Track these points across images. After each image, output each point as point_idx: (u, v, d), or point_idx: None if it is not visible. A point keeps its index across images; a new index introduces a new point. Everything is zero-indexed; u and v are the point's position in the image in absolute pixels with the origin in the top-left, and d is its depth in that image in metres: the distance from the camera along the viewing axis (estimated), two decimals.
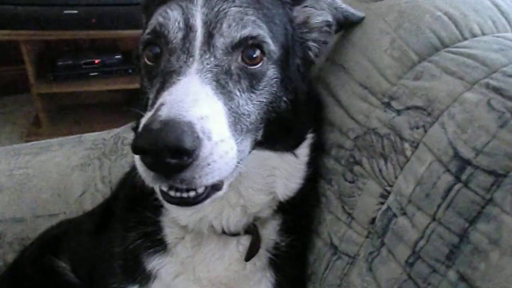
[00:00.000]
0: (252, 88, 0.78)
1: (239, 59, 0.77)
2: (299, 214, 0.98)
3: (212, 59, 0.74)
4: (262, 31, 0.78)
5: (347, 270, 0.86)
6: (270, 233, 0.96)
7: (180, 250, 0.97)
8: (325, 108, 1.00)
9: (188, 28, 0.77)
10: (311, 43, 0.92)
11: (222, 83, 0.73)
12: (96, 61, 3.45)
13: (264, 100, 0.80)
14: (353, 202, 0.87)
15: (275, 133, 0.86)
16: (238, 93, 0.76)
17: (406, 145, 0.76)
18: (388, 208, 0.78)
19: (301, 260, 1.02)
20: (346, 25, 0.96)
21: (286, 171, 0.90)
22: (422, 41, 0.82)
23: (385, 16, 0.91)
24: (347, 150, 0.91)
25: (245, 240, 0.95)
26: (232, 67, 0.76)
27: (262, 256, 0.96)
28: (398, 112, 0.80)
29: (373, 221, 0.82)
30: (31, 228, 1.53)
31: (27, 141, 3.35)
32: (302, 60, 0.90)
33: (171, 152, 0.61)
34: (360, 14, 0.96)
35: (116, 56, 3.49)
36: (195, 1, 0.78)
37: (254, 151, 0.84)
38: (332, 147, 0.95)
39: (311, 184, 0.97)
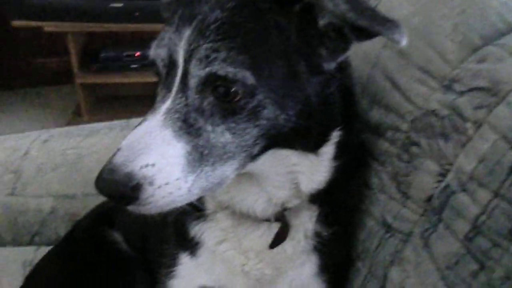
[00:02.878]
0: (229, 120, 0.78)
1: (211, 97, 0.78)
2: (339, 205, 0.99)
3: (183, 98, 0.78)
4: (233, 68, 0.75)
5: (401, 247, 0.89)
6: (305, 223, 0.98)
7: (220, 218, 1.01)
8: (357, 100, 1.00)
9: (172, 65, 0.80)
10: (320, 50, 0.81)
11: (190, 121, 0.77)
12: (137, 53, 3.55)
13: (250, 126, 0.79)
14: (408, 181, 0.89)
15: (283, 141, 0.86)
16: (210, 128, 0.78)
17: (468, 124, 0.78)
18: (447, 185, 0.80)
19: (349, 243, 1.04)
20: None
21: (308, 168, 0.91)
22: (488, 25, 0.84)
23: (447, 3, 0.93)
24: (404, 132, 0.93)
25: (276, 227, 0.97)
26: (204, 104, 0.78)
27: (302, 242, 0.98)
28: (460, 93, 0.82)
29: (429, 199, 0.84)
30: (82, 205, 1.60)
31: None
32: (309, 68, 0.82)
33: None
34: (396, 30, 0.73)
35: None
36: (183, 34, 0.79)
37: (270, 151, 0.85)
38: (387, 130, 0.98)
39: (349, 174, 0.97)
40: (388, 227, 0.93)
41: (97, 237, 1.29)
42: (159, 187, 0.74)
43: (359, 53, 1.10)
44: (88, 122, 3.56)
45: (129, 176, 0.72)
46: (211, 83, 0.77)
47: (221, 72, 0.75)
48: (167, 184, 0.74)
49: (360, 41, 0.79)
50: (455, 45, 0.87)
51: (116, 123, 1.83)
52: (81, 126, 1.88)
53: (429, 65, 0.90)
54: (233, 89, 0.76)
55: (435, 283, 0.78)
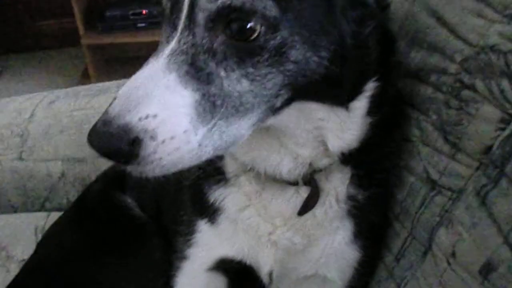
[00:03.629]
0: (247, 64, 0.66)
1: (224, 35, 0.65)
2: (374, 166, 0.88)
3: (190, 37, 0.65)
4: None
5: (450, 206, 0.78)
6: (337, 186, 0.87)
7: (243, 182, 0.91)
8: (397, 45, 0.88)
9: None
10: None
11: (198, 65, 0.65)
12: (144, 11, 3.40)
13: (273, 71, 0.67)
14: (460, 130, 0.77)
15: (311, 91, 0.73)
16: (223, 73, 0.65)
17: None
18: None
19: (387, 204, 0.94)
20: None
21: (337, 124, 0.79)
22: None
23: None
24: (452, 75, 0.80)
25: (304, 192, 0.87)
26: (215, 45, 0.65)
27: (335, 207, 0.88)
28: None
29: (487, 150, 0.73)
30: (92, 168, 1.52)
31: None
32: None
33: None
34: None
35: None
36: None
37: (294, 103, 0.73)
38: (431, 74, 0.85)
39: (385, 131, 0.85)
40: (433, 184, 0.82)
41: (109, 203, 1.20)
42: (163, 141, 0.62)
43: None
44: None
45: (126, 128, 0.61)
46: (224, 17, 0.64)
47: (236, 2, 0.62)
48: (172, 138, 0.63)
49: None
50: None
51: (125, 81, 1.73)
52: (88, 86, 1.78)
53: None
54: (250, 24, 0.63)
55: (496, 247, 0.67)
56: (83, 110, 1.60)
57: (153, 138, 0.62)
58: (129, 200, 1.20)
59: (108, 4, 3.50)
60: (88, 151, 1.53)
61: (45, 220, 1.43)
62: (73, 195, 1.51)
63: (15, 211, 1.55)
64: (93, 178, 1.45)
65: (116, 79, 3.67)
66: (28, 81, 3.70)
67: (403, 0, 0.93)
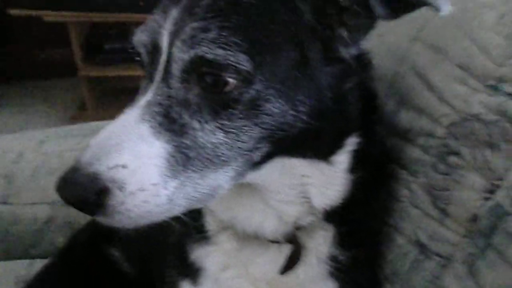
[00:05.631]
0: (221, 116, 0.65)
1: (199, 87, 0.66)
2: (359, 226, 0.86)
3: (166, 89, 0.66)
4: (223, 51, 0.62)
5: (439, 273, 0.77)
6: (320, 245, 0.85)
7: (224, 240, 0.89)
8: (381, 103, 0.87)
9: (155, 51, 0.69)
10: (339, 31, 0.69)
11: (172, 116, 0.65)
12: None
13: (248, 124, 0.66)
14: (447, 196, 0.77)
15: (291, 146, 0.73)
16: (197, 125, 0.65)
17: None
18: (498, 205, 0.67)
19: (374, 265, 0.91)
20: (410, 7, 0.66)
21: (319, 179, 0.78)
22: None
23: None
24: (439, 138, 0.80)
25: (286, 250, 0.85)
26: (190, 96, 0.66)
27: (316, 267, 0.86)
28: (511, 96, 0.69)
29: (474, 218, 0.72)
30: (80, 213, 1.48)
31: (72, 123, 3.39)
32: (324, 53, 0.70)
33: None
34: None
35: None
36: (169, 15, 0.68)
37: (276, 159, 0.73)
38: (419, 136, 0.85)
39: (370, 190, 0.84)
40: (422, 248, 0.81)
41: (96, 256, 1.17)
42: (131, 193, 0.61)
43: (382, 48, 0.97)
44: (93, 116, 3.48)
45: (94, 177, 0.59)
46: (197, 69, 0.65)
47: (209, 56, 0.63)
48: (141, 190, 0.62)
49: (387, 18, 0.66)
50: (501, 39, 0.74)
51: None
52: (80, 125, 1.77)
53: (469, 62, 0.77)
54: (223, 77, 0.63)
55: None
56: (74, 151, 1.56)
57: (121, 188, 0.60)
58: (116, 254, 1.17)
59: (107, 37, 3.54)
60: None
61: (27, 269, 1.37)
62: (60, 241, 1.44)
63: None
64: (82, 222, 1.42)
65: (114, 111, 3.67)
66: (25, 112, 3.71)
67: (391, 61, 0.93)
